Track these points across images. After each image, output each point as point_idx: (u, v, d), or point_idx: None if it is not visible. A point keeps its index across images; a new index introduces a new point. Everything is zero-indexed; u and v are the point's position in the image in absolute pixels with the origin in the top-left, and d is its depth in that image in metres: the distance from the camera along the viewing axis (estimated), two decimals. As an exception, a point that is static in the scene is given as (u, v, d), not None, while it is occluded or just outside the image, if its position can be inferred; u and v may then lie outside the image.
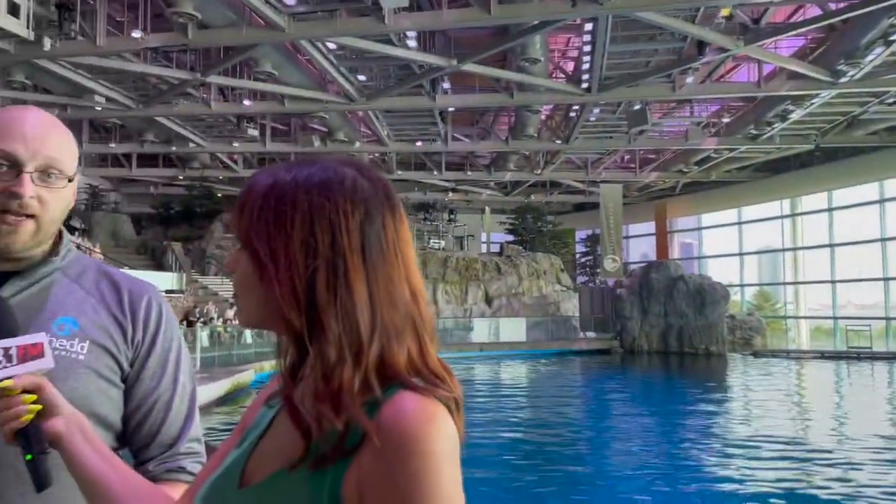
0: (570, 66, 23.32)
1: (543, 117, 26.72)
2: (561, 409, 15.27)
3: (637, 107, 22.26)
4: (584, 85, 20.32)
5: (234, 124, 25.62)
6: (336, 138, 26.68)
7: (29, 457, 0.88)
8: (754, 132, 24.40)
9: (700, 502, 7.94)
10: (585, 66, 19.28)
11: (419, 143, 28.30)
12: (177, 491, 1.08)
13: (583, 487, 8.52)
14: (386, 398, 0.73)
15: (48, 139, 1.13)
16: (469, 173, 32.54)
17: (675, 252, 37.95)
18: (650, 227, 38.52)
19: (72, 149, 1.18)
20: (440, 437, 0.71)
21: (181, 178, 32.89)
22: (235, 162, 31.99)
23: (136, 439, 1.21)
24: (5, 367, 0.88)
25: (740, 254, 34.25)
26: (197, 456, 1.25)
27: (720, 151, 27.91)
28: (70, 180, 1.16)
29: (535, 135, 26.42)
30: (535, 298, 31.09)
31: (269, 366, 19.24)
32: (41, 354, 0.90)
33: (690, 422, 13.29)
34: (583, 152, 30.30)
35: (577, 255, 39.96)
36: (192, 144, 27.61)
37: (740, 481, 8.73)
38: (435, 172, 31.87)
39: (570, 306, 31.10)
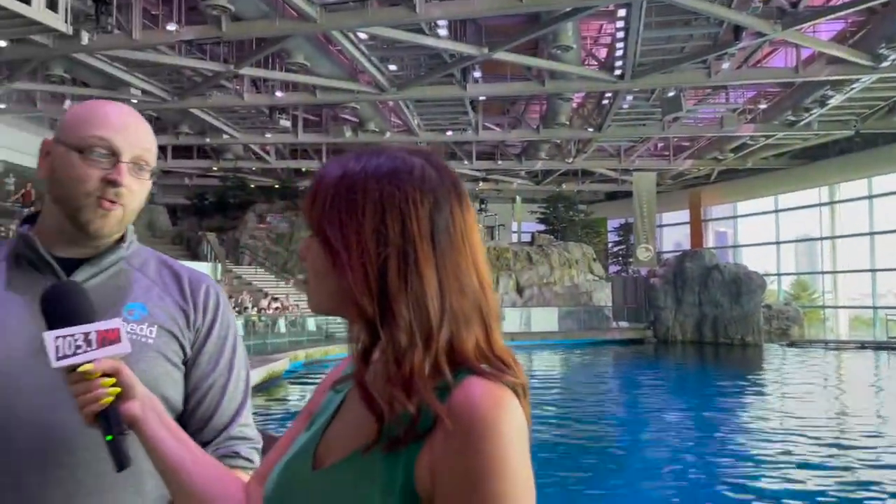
0: (602, 53, 23.05)
1: (575, 105, 26.50)
2: (594, 399, 15.20)
3: (671, 94, 21.95)
4: (618, 72, 20.07)
5: (266, 115, 25.84)
6: (367, 129, 26.77)
7: (109, 437, 0.91)
8: (792, 118, 23.90)
9: (734, 495, 7.85)
10: (619, 53, 19.05)
11: (449, 133, 28.26)
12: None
13: (615, 480, 8.46)
14: (456, 383, 0.75)
15: (140, 132, 1.19)
16: (500, 162, 32.43)
17: (709, 241, 37.44)
18: (684, 215, 38.03)
19: (155, 143, 1.24)
20: (509, 422, 0.73)
21: (215, 169, 33.28)
22: (268, 153, 32.28)
23: (191, 422, 1.24)
24: (85, 352, 0.91)
25: (777, 242, 33.67)
26: (250, 441, 1.28)
27: (756, 138, 27.40)
28: (152, 174, 1.22)
29: (567, 123, 26.22)
30: (566, 288, 30.97)
31: (303, 354, 19.45)
32: (118, 339, 0.93)
33: (725, 413, 13.13)
34: (615, 140, 30.00)
35: (610, 245, 39.64)
36: (225, 136, 27.92)
37: (776, 475, 8.60)
38: (465, 162, 31.81)
39: (603, 296, 30.90)
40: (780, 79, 21.34)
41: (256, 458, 1.28)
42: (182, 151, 31.62)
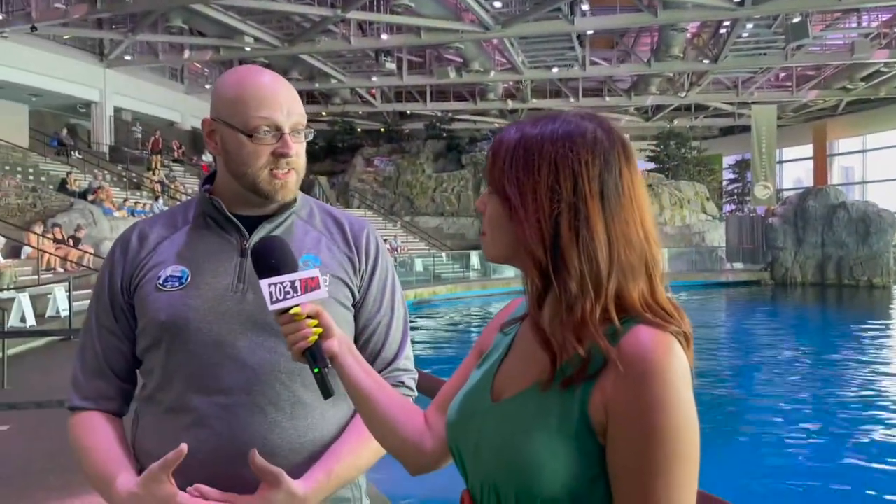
0: (720, -21, 21.65)
1: (690, 35, 25.21)
2: (706, 345, 14.80)
3: (796, 19, 20.47)
4: (737, -2, 18.88)
5: (372, 59, 26.08)
6: (471, 69, 26.55)
7: (316, 370, 1.04)
8: (934, 41, 21.85)
9: (856, 446, 7.55)
10: (739, -22, 17.88)
11: (555, 70, 27.62)
12: None
13: (730, 430, 8.26)
14: (624, 330, 0.82)
15: (292, 100, 1.29)
16: (607, 99, 31.48)
17: (834, 177, 35.22)
18: (807, 150, 35.84)
19: (301, 103, 1.34)
20: (677, 367, 0.79)
21: (324, 114, 34.05)
22: (374, 96, 32.65)
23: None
24: (293, 297, 1.03)
25: (912, 178, 31.28)
26: (411, 373, 1.41)
27: (891, 65, 25.28)
28: (307, 134, 1.33)
29: (681, 55, 25.03)
30: (677, 228, 30.03)
31: (412, 294, 19.98)
32: (317, 286, 1.05)
33: (850, 359, 12.53)
34: (733, 71, 28.48)
35: (725, 182, 38.01)
36: (333, 81, 28.43)
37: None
38: (571, 100, 31.08)
39: (716, 236, 29.79)
40: (923, -3, 19.46)
41: (415, 387, 1.41)
42: (292, 97, 32.44)
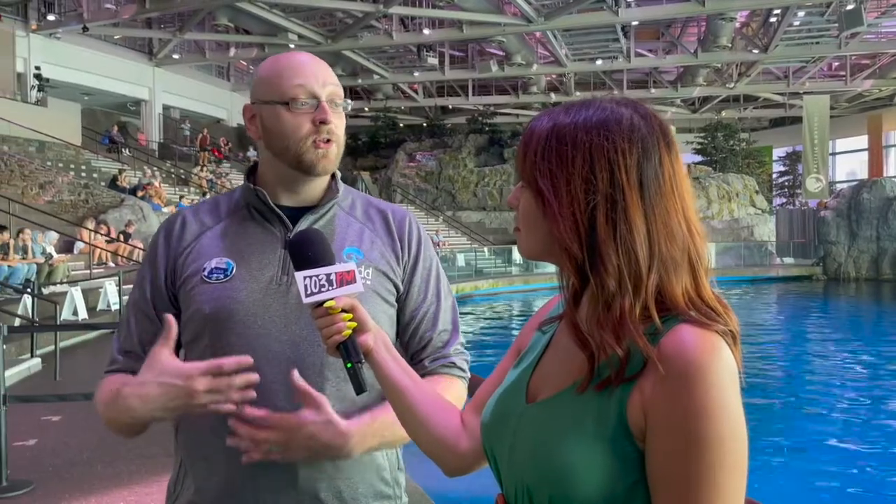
0: (770, -34, 21.11)
1: (738, 25, 24.65)
2: (754, 344, 14.45)
3: (850, 6, 19.82)
4: (788, -15, 18.36)
5: (414, 54, 26.13)
6: (513, 62, 26.39)
7: (349, 365, 1.01)
8: None
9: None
10: (790, -36, 17.39)
11: (599, 62, 27.29)
12: (450, 386, 1.29)
13: (779, 433, 8.02)
14: (666, 329, 0.77)
15: (326, 72, 1.30)
16: (653, 91, 31.00)
17: (890, 169, 34.09)
18: (861, 141, 34.76)
19: (337, 78, 1.34)
20: (722, 368, 0.74)
21: (367, 109, 34.24)
22: (416, 91, 32.71)
23: (409, 347, 1.37)
24: (328, 291, 1.02)
25: (974, 169, 30.11)
26: (464, 355, 1.39)
27: (953, 51, 24.35)
28: (344, 107, 1.32)
29: (729, 45, 24.50)
30: (725, 223, 29.43)
31: (454, 289, 19.94)
32: (353, 280, 1.03)
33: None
34: (784, 61, 27.79)
35: (775, 175, 37.10)
36: (376, 76, 28.56)
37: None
38: (616, 92, 30.65)
39: (766, 231, 29.11)
40: None
41: (468, 368, 1.39)
42: (336, 93, 32.78)
